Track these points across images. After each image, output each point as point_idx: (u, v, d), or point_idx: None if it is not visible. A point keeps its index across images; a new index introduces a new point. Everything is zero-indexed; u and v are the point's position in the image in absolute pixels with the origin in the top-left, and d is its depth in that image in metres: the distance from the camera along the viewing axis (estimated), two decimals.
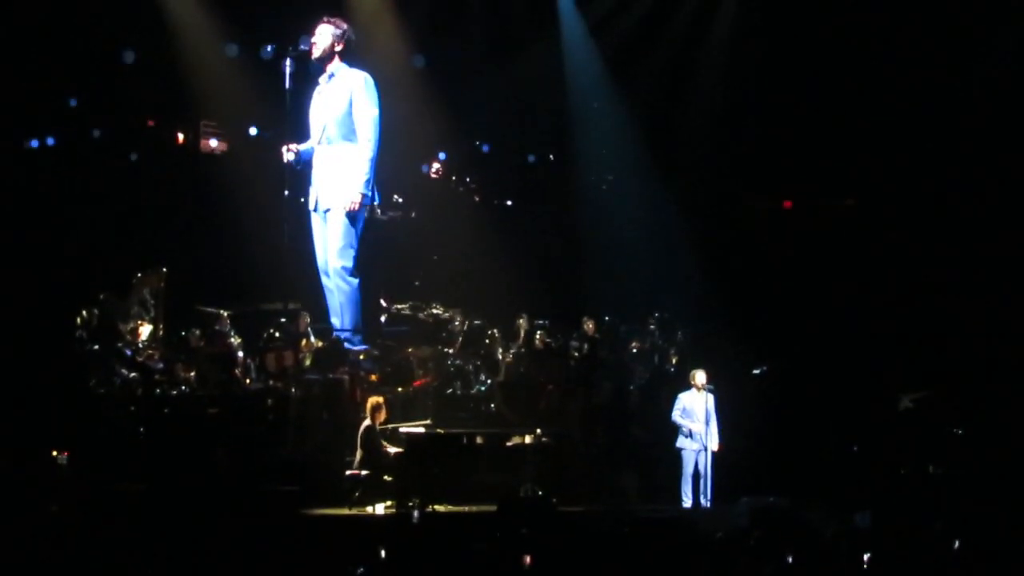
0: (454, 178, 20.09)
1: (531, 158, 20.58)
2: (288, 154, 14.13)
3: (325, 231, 14.35)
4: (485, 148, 20.33)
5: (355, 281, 14.35)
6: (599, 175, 20.35)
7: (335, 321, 14.46)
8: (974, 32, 17.50)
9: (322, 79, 14.38)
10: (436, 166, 19.90)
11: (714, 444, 14.45)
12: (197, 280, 16.45)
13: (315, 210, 14.44)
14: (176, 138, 19.02)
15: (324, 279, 14.49)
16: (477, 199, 20.23)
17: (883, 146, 18.36)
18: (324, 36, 14.23)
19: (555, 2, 19.19)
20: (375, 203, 14.49)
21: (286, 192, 14.36)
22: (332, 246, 14.27)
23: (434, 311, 15.77)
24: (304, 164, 14.36)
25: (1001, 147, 17.52)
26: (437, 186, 19.85)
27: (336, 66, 14.28)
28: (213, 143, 19.08)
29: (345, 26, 14.39)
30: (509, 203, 20.42)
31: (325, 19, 14.37)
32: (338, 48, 14.26)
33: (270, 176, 15.32)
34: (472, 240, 18.58)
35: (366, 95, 14.20)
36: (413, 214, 18.53)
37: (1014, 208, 17.35)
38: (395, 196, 17.22)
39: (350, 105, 14.16)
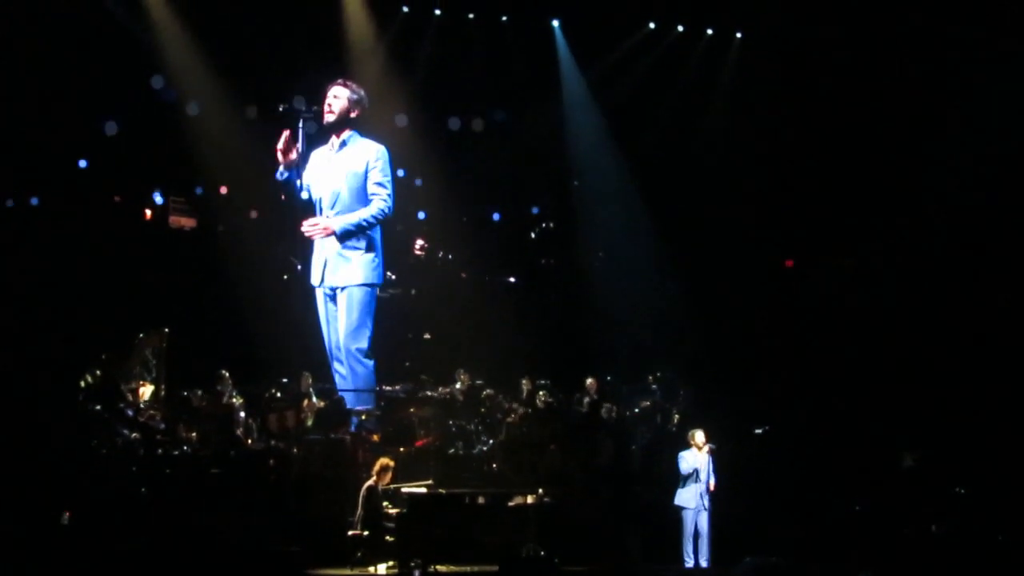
0: (440, 254, 19.60)
1: (496, 216, 20.14)
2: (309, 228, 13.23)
3: (334, 310, 13.58)
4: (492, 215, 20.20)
5: (371, 363, 13.65)
6: (598, 239, 20.36)
7: None
8: (973, 94, 17.64)
9: (330, 145, 13.55)
10: (420, 242, 19.31)
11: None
12: (198, 342, 16.41)
13: (320, 286, 13.67)
14: (144, 214, 18.64)
15: (336, 364, 13.77)
16: (464, 275, 19.67)
17: (883, 205, 18.47)
18: (341, 100, 13.29)
19: (557, 64, 19.37)
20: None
21: (299, 267, 13.64)
22: (345, 326, 13.50)
23: (428, 392, 15.57)
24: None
25: (1002, 207, 17.62)
26: (424, 261, 19.43)
27: (349, 134, 13.41)
28: (182, 219, 18.72)
29: (362, 92, 13.48)
30: (512, 279, 20.01)
31: (341, 82, 13.47)
32: (353, 114, 13.36)
33: (259, 248, 15.04)
34: (472, 309, 18.32)
35: (384, 169, 13.37)
36: (413, 291, 18.17)
37: (1015, 267, 17.42)
38: (389, 273, 15.71)
39: (365, 178, 13.35)
